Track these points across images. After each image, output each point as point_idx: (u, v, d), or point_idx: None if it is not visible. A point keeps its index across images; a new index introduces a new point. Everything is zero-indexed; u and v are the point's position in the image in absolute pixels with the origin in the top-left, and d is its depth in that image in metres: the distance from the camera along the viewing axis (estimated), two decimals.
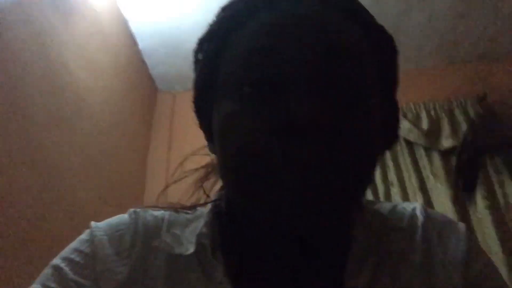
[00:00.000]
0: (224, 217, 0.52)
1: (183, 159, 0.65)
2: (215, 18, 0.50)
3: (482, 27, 2.55)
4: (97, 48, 2.13)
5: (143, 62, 2.72)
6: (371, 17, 0.48)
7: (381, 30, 0.49)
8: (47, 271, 0.48)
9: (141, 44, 2.62)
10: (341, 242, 0.49)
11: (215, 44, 0.49)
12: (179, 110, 2.83)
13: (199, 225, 0.51)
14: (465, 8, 2.43)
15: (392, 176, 2.37)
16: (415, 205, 0.57)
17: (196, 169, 0.62)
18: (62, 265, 0.47)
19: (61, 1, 1.86)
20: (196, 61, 0.52)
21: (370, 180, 0.44)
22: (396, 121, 0.53)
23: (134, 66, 2.60)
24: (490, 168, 2.32)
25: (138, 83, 2.65)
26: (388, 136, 0.51)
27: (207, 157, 0.59)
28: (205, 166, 0.62)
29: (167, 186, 0.62)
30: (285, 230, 0.41)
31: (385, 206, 0.57)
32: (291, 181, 0.37)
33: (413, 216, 0.55)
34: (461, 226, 0.55)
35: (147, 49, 2.65)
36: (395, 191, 2.32)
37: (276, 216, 0.39)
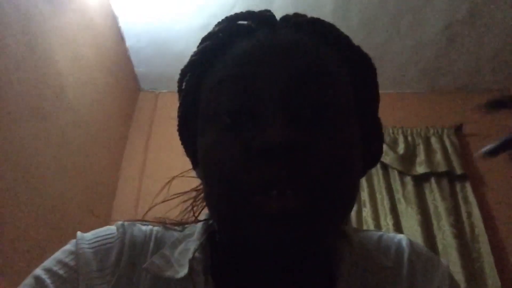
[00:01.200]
0: (217, 242, 0.52)
1: (170, 180, 0.64)
2: (196, 48, 0.51)
3: (465, 60, 2.63)
4: (84, 41, 2.12)
5: (128, 60, 2.70)
6: (346, 38, 0.49)
7: (356, 50, 0.49)
8: (29, 281, 0.46)
9: (128, 42, 2.60)
10: (327, 273, 0.49)
11: (195, 74, 0.50)
12: (160, 110, 2.82)
13: (190, 246, 0.50)
14: (450, 40, 2.50)
15: (365, 196, 2.40)
16: (401, 237, 0.57)
17: (184, 192, 0.62)
18: (45, 277, 0.46)
19: None
20: (179, 91, 0.53)
21: (352, 202, 0.44)
22: (379, 139, 0.54)
23: (120, 63, 2.59)
24: (460, 198, 2.38)
25: (122, 81, 2.63)
26: (371, 153, 0.52)
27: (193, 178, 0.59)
28: (193, 189, 0.62)
29: (154, 205, 0.61)
30: (267, 256, 0.41)
31: (371, 237, 0.57)
32: (268, 206, 0.38)
33: (399, 248, 0.55)
34: (445, 262, 0.56)
35: (134, 48, 2.64)
36: (367, 211, 2.35)
37: (256, 242, 0.39)
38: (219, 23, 0.50)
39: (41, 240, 1.54)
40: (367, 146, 0.48)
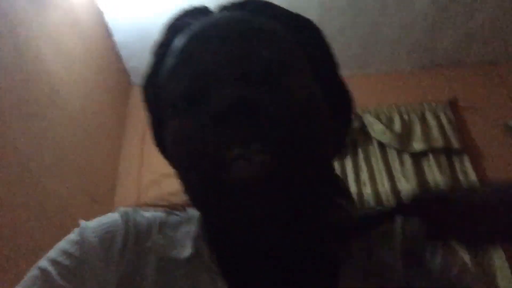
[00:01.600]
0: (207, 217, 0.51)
1: (163, 178, 0.64)
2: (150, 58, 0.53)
3: (455, 34, 2.62)
4: (71, 39, 2.09)
5: (118, 55, 2.68)
6: (282, 8, 0.50)
7: (296, 16, 0.50)
8: (34, 273, 0.45)
9: (116, 37, 2.58)
10: (330, 252, 0.49)
11: (150, 83, 0.53)
12: None
13: (192, 228, 0.50)
14: (439, 15, 2.49)
15: (365, 177, 2.41)
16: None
17: (172, 194, 0.61)
18: (50, 268, 0.45)
19: None
20: (144, 106, 0.56)
21: (319, 159, 0.43)
22: (347, 102, 0.53)
23: (109, 58, 2.56)
24: (459, 172, 2.39)
25: (112, 76, 2.61)
26: (343, 118, 0.52)
27: None
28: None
29: (141, 204, 0.61)
30: (253, 229, 0.40)
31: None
32: (232, 174, 0.37)
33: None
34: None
35: (123, 42, 2.62)
36: (367, 191, 2.36)
37: (233, 216, 0.39)
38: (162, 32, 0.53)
39: (42, 239, 1.54)
40: (332, 107, 0.47)
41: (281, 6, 0.51)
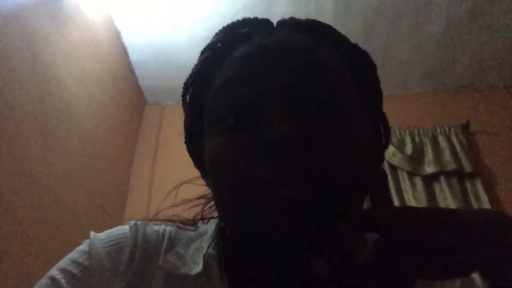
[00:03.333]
0: (229, 239, 0.52)
1: (177, 186, 0.65)
2: (197, 61, 0.52)
3: (468, 58, 2.62)
4: (88, 57, 2.14)
5: (133, 73, 2.72)
6: (343, 36, 0.50)
7: (354, 47, 0.50)
8: (44, 281, 0.47)
9: (132, 56, 2.63)
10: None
11: (198, 85, 0.51)
12: (166, 123, 2.84)
13: (203, 244, 0.50)
14: (452, 38, 2.50)
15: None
16: None
17: (193, 199, 0.62)
18: (59, 277, 0.46)
19: (56, 11, 1.87)
20: (184, 104, 0.54)
21: (363, 188, 0.44)
22: (386, 132, 0.54)
23: (124, 77, 2.61)
24: (471, 196, 2.36)
25: (127, 95, 2.65)
26: (380, 147, 0.52)
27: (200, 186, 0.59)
28: (201, 197, 0.62)
29: (160, 210, 0.62)
30: (278, 249, 0.41)
31: None
32: (278, 199, 0.38)
33: None
34: None
35: (138, 61, 2.66)
36: None
37: (272, 240, 0.39)
38: (217, 33, 0.51)
39: (53, 250, 1.55)
40: (375, 140, 0.48)
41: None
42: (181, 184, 0.64)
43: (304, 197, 0.38)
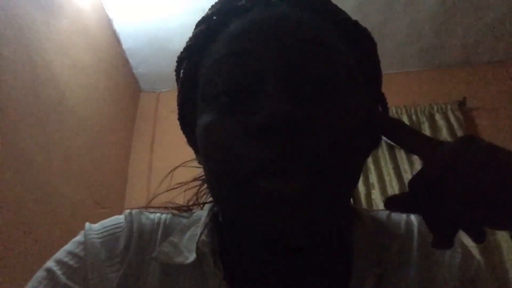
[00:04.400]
0: (222, 224, 0.52)
1: (172, 169, 0.64)
2: (192, 34, 0.50)
3: (463, 33, 2.60)
4: (80, 46, 2.12)
5: (126, 61, 2.70)
6: (344, 13, 0.48)
7: (354, 24, 0.48)
8: (40, 274, 0.47)
9: (125, 44, 2.60)
10: (341, 251, 0.49)
11: (192, 59, 0.49)
12: (162, 109, 2.83)
13: (198, 231, 0.50)
14: (446, 15, 2.48)
15: (373, 178, 2.40)
16: (409, 214, 0.56)
17: (187, 182, 0.62)
18: (55, 268, 0.46)
19: (46, 0, 1.84)
20: (177, 79, 0.53)
21: (355, 179, 0.43)
22: (385, 112, 0.53)
23: (117, 65, 2.59)
24: None
25: (121, 82, 2.63)
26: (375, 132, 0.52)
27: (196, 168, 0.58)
28: (196, 179, 0.62)
29: (155, 196, 0.62)
30: (274, 237, 0.40)
31: (381, 214, 0.57)
32: (271, 186, 0.37)
33: (408, 222, 0.55)
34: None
35: (131, 49, 2.64)
36: (376, 193, 2.35)
37: (260, 224, 0.39)
38: (212, 6, 0.49)
39: (51, 241, 1.55)
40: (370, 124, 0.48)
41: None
42: (176, 168, 0.63)
43: (295, 190, 0.37)
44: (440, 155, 0.36)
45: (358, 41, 0.48)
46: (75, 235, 0.52)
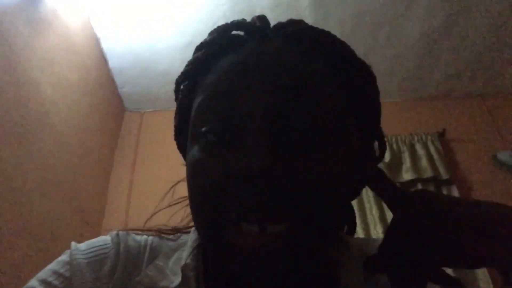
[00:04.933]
0: (207, 249, 0.51)
1: (169, 190, 0.64)
2: (190, 59, 0.50)
3: (444, 67, 2.68)
4: (66, 63, 2.11)
5: (112, 80, 2.70)
6: (341, 46, 0.48)
7: (352, 58, 0.48)
8: None
9: (111, 63, 2.61)
10: (328, 284, 0.49)
11: (187, 85, 0.50)
12: (146, 130, 2.82)
13: (183, 254, 0.50)
14: (428, 48, 2.55)
15: (354, 206, 2.40)
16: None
17: (183, 198, 0.61)
18: None
19: (34, 16, 1.84)
20: (176, 99, 0.53)
21: (337, 219, 0.44)
22: (381, 147, 0.53)
23: (103, 84, 2.58)
24: None
25: (106, 102, 2.62)
26: (373, 163, 0.52)
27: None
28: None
29: (152, 215, 0.61)
30: (257, 280, 0.40)
31: (366, 241, 0.57)
32: (248, 230, 0.38)
33: None
34: None
35: (117, 68, 2.64)
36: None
37: (241, 268, 0.39)
38: (211, 32, 0.49)
39: (32, 259, 1.52)
40: (368, 157, 0.48)
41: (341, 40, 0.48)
42: (177, 183, 0.63)
43: (275, 234, 0.37)
44: (405, 213, 0.40)
45: (354, 75, 0.48)
46: (52, 252, 0.51)
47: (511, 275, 0.37)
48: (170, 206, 0.61)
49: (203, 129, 0.42)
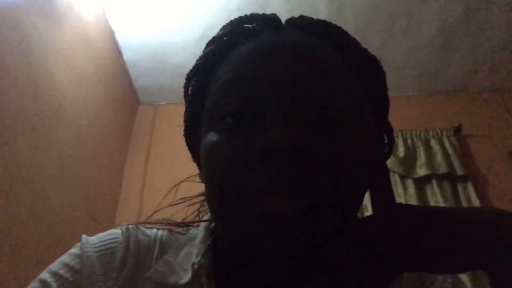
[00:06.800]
0: (219, 243, 0.51)
1: (177, 184, 0.64)
2: (202, 53, 0.50)
3: (461, 61, 2.64)
4: (81, 56, 2.13)
5: (126, 73, 2.71)
6: (353, 40, 0.49)
7: (363, 52, 0.49)
8: (34, 284, 0.46)
9: (126, 55, 2.62)
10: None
11: (201, 78, 0.50)
12: (159, 122, 2.83)
13: (193, 249, 0.50)
14: (445, 42, 2.52)
15: (367, 201, 2.39)
16: None
17: (192, 197, 0.61)
18: (50, 280, 0.46)
19: (49, 8, 1.86)
20: (185, 96, 0.53)
21: (356, 203, 0.43)
22: (390, 141, 0.53)
23: (117, 76, 2.60)
24: (462, 199, 2.38)
25: (120, 94, 2.64)
26: (382, 155, 0.51)
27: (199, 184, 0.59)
28: (200, 194, 0.62)
29: (158, 209, 0.61)
30: (271, 260, 0.40)
31: None
32: (271, 210, 0.37)
33: None
34: None
35: (132, 61, 2.66)
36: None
37: (260, 244, 0.39)
38: (224, 26, 0.50)
39: (44, 251, 1.54)
40: (377, 149, 0.47)
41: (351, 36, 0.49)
42: (181, 182, 0.63)
43: (296, 213, 0.37)
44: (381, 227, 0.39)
45: (366, 69, 0.48)
46: (65, 245, 0.52)
47: (499, 278, 0.37)
48: (171, 205, 0.61)
49: (221, 112, 0.42)
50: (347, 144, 0.40)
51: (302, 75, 0.41)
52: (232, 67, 0.44)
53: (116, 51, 2.55)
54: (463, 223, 0.38)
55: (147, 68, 2.69)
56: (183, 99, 0.53)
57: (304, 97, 0.41)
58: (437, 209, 0.41)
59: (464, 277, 2.07)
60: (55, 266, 0.48)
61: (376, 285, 0.39)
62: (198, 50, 0.51)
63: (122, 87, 2.68)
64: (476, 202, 2.33)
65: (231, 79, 0.43)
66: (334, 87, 0.42)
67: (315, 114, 0.41)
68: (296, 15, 0.50)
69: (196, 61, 0.50)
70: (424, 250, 0.37)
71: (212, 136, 0.43)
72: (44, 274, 0.47)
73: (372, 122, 0.46)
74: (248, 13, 0.49)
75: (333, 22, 0.50)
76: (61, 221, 1.77)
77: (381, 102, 0.51)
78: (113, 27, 2.45)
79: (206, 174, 0.44)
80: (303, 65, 0.42)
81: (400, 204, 0.41)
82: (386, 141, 0.53)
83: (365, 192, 0.44)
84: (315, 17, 0.49)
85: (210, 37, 0.50)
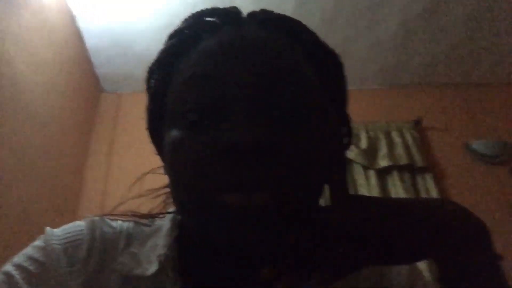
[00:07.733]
0: (184, 235, 0.52)
1: (141, 176, 0.63)
2: (163, 46, 0.50)
3: (422, 55, 2.71)
4: (41, 42, 2.06)
5: (89, 60, 2.64)
6: (314, 35, 0.50)
7: (324, 47, 0.50)
8: None
9: (88, 42, 2.55)
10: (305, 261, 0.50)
11: (162, 72, 0.50)
12: (123, 112, 2.77)
13: (159, 241, 0.50)
14: (406, 37, 2.58)
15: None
16: None
17: (156, 189, 0.61)
18: (14, 272, 0.45)
19: None
20: (148, 89, 0.53)
21: (318, 194, 0.45)
22: (349, 132, 0.54)
23: (79, 64, 2.53)
24: (422, 190, 2.46)
25: (82, 82, 2.57)
26: (340, 147, 0.53)
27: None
28: (165, 186, 0.62)
29: (123, 202, 0.60)
30: (234, 254, 0.42)
31: None
32: (234, 204, 0.38)
33: None
34: None
35: (94, 48, 2.59)
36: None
37: (224, 237, 0.40)
38: (185, 19, 0.50)
39: (6, 242, 1.49)
40: (334, 141, 0.49)
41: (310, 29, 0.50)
42: (146, 173, 0.63)
43: (257, 207, 0.38)
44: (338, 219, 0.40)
45: (325, 62, 0.49)
46: (26, 237, 0.51)
47: (446, 266, 0.40)
48: (138, 197, 0.60)
49: (184, 108, 0.43)
50: (307, 139, 0.42)
51: (264, 72, 0.42)
52: (194, 63, 0.45)
53: (77, 37, 2.47)
54: (419, 214, 0.40)
55: (110, 56, 2.63)
56: None
57: (265, 95, 0.41)
58: (392, 200, 0.43)
59: (422, 266, 2.14)
60: (19, 258, 0.48)
61: (335, 273, 0.41)
62: (163, 37, 0.51)
63: (84, 75, 2.61)
64: (435, 193, 2.41)
65: (194, 76, 0.44)
66: (295, 84, 0.43)
67: (276, 112, 0.41)
68: (261, 7, 0.50)
69: (158, 54, 0.50)
70: (379, 240, 0.39)
71: (175, 132, 0.43)
72: (8, 267, 0.46)
73: (332, 116, 0.47)
74: (214, 3, 0.49)
75: (298, 16, 0.50)
76: (21, 213, 1.72)
77: (340, 94, 0.53)
78: (74, 12, 2.37)
79: (170, 171, 0.45)
80: (265, 63, 0.43)
81: (356, 196, 0.43)
82: (345, 132, 0.54)
83: (325, 183, 0.45)
84: (280, 11, 0.50)
85: (175, 25, 0.50)
